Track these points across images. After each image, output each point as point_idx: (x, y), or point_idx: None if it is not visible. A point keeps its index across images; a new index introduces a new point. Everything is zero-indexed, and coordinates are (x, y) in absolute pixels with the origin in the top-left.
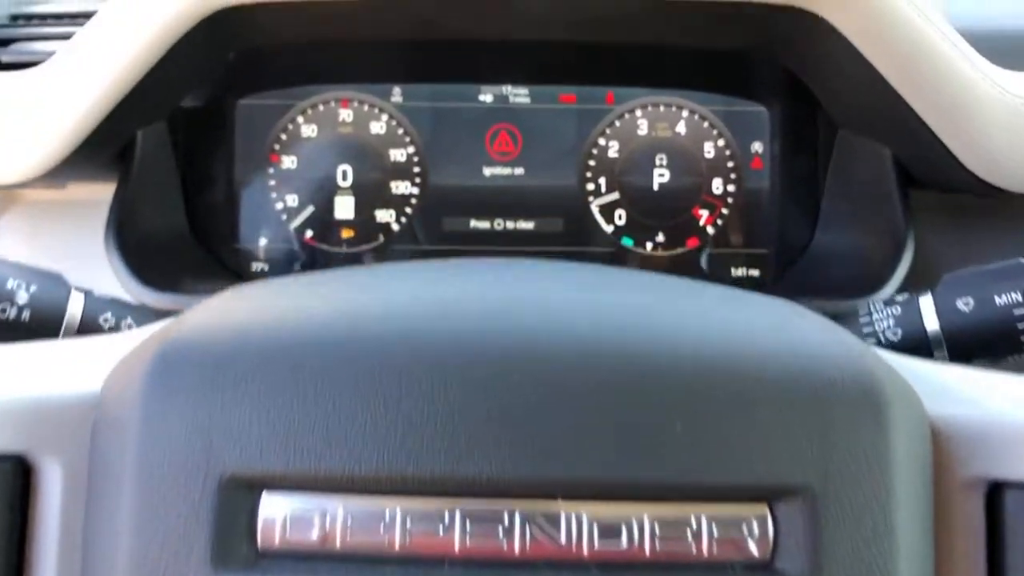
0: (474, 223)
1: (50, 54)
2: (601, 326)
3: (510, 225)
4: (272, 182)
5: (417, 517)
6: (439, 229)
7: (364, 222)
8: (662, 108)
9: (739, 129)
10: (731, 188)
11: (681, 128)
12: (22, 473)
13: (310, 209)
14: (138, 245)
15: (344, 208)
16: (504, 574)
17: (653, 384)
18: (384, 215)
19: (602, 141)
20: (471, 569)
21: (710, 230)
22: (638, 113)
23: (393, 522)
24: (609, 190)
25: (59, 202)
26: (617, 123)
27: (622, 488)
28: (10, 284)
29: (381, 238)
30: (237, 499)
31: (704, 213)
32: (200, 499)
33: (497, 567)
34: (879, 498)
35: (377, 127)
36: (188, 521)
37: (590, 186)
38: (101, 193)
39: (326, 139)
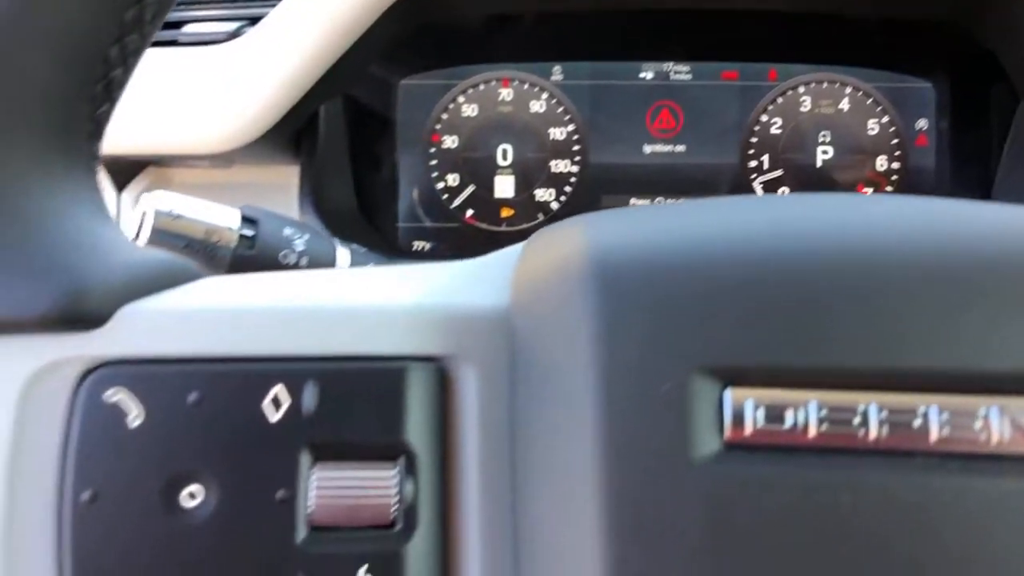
0: (634, 201)
1: (230, 33)
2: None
3: (671, 203)
4: (433, 161)
5: (892, 411)
6: (599, 207)
7: (524, 201)
8: (825, 85)
9: (904, 106)
10: (895, 166)
11: (845, 105)
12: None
13: (471, 188)
14: (322, 220)
15: (504, 187)
16: (982, 468)
17: None
18: (544, 194)
19: (764, 118)
20: (947, 462)
21: None
22: (801, 90)
23: (867, 416)
24: (772, 168)
25: (204, 185)
26: (780, 100)
27: None
28: (287, 231)
29: (541, 216)
30: (707, 392)
31: (868, 191)
32: (671, 392)
33: (972, 461)
34: None
35: (537, 106)
36: (660, 414)
37: (752, 163)
38: (246, 176)
39: (486, 118)
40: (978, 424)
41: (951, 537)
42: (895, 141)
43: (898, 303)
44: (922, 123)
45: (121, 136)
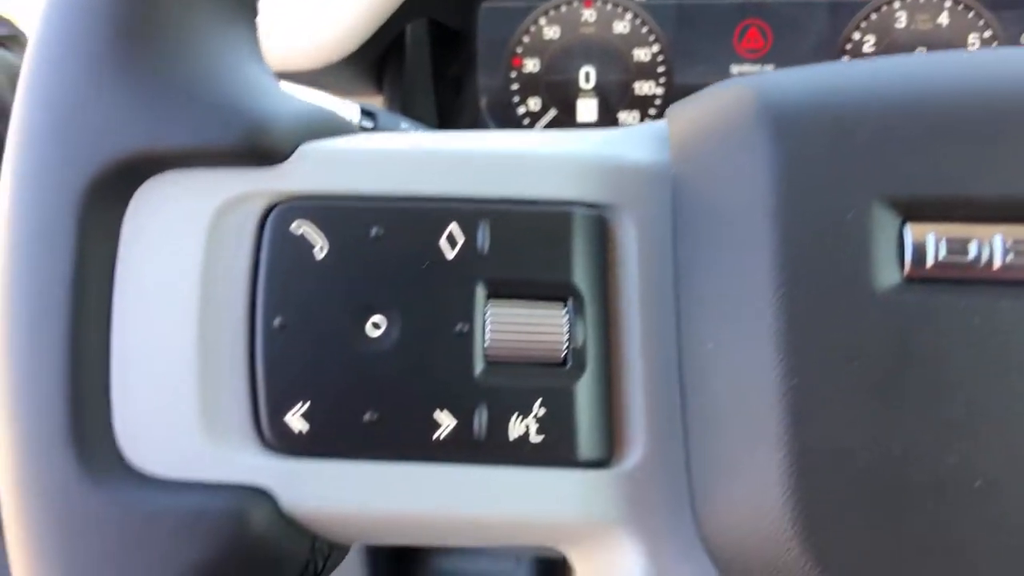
0: None
1: None
2: None
3: None
4: (515, 85)
5: None
6: None
7: (607, 124)
8: None
9: (1008, 20)
10: None
11: (944, 19)
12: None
13: (552, 112)
14: None
15: (587, 110)
16: None
17: None
18: (627, 117)
19: (857, 36)
20: None
21: None
22: (896, 5)
23: None
24: None
25: None
26: (873, 16)
27: None
28: (404, 125)
29: None
30: (887, 223)
31: None
32: (851, 224)
33: None
34: None
35: (620, 27)
36: (840, 246)
37: None
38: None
39: (569, 40)
40: None
41: None
42: None
43: None
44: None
45: None
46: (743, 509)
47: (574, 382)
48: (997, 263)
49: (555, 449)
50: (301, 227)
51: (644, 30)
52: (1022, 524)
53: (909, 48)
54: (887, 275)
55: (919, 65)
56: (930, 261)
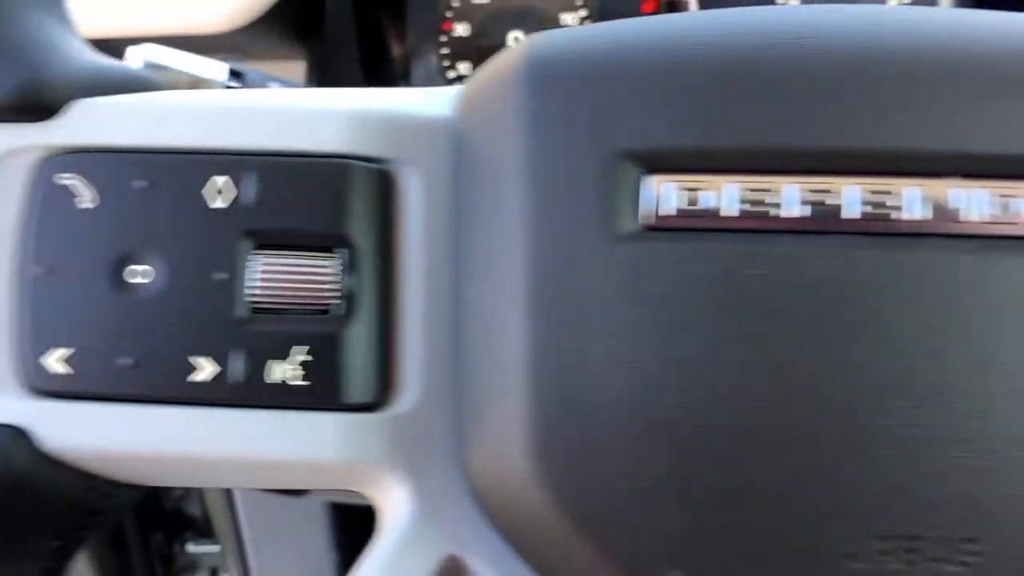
0: None
1: None
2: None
3: None
4: (444, 50)
5: (807, 191)
6: None
7: None
8: None
9: None
10: None
11: None
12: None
13: None
14: None
15: None
16: (892, 244)
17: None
18: None
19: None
20: (862, 240)
21: None
22: None
23: (782, 196)
24: None
25: None
26: None
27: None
28: (272, 85)
29: None
30: (629, 176)
31: None
32: (594, 177)
33: (886, 237)
34: None
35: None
36: (582, 197)
37: None
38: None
39: (498, 5)
40: (894, 203)
41: (862, 309)
42: None
43: (814, 84)
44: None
45: (114, 16)
46: (497, 456)
47: (341, 329)
48: (731, 212)
49: (318, 393)
50: (66, 179)
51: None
52: (749, 462)
53: None
54: (626, 225)
55: (676, 22)
56: (665, 211)
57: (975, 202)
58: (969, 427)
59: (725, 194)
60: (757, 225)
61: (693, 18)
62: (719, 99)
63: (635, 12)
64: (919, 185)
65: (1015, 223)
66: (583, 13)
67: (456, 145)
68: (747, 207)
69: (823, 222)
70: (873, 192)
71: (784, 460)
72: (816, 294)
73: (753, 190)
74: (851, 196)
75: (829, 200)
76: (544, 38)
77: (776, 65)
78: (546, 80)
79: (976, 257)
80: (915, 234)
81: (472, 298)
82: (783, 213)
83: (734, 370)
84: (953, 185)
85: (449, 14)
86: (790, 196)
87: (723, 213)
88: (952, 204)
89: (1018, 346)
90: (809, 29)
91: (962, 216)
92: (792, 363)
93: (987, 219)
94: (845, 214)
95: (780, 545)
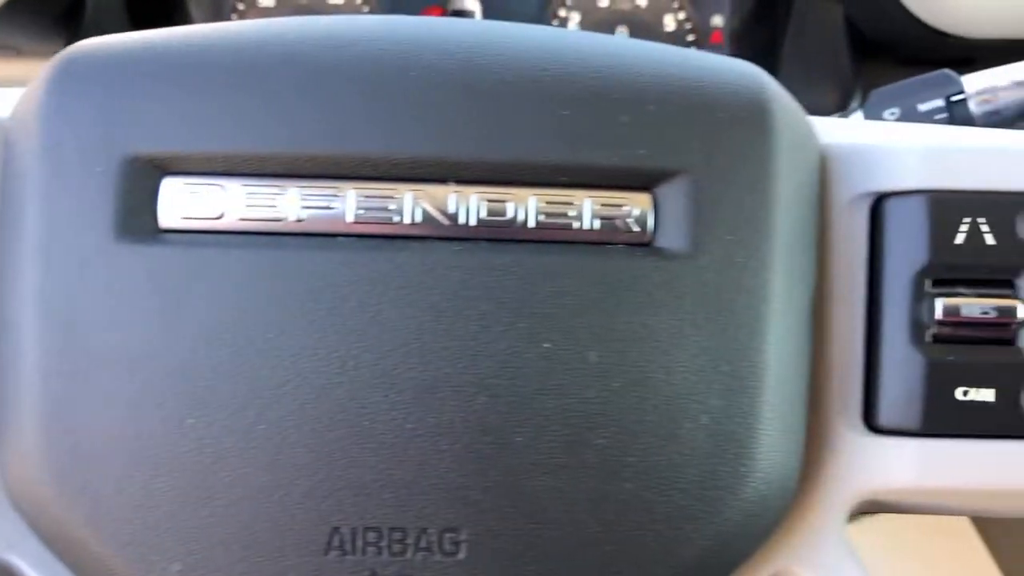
0: None
1: None
2: (501, 29)
3: None
4: None
5: (312, 195)
6: None
7: None
8: None
9: (701, 3)
10: None
11: (642, 1)
12: None
13: None
14: None
15: None
16: (393, 247)
17: (547, 72)
18: None
19: (563, 12)
20: (364, 241)
21: None
22: None
23: (288, 200)
24: None
25: None
26: None
27: (509, 169)
28: None
29: None
30: (140, 179)
31: None
32: (104, 178)
33: (386, 240)
34: (758, 188)
35: (337, 0)
36: (93, 199)
37: None
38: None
39: (280, 10)
40: (395, 207)
41: (358, 310)
42: (691, 38)
43: (323, 91)
44: (717, 20)
45: None
46: (19, 458)
47: None
48: (235, 216)
49: None
50: None
51: (358, 1)
52: (233, 460)
53: (611, 25)
54: (139, 228)
55: (217, 30)
56: (177, 214)
57: (471, 206)
58: (447, 420)
59: (232, 196)
60: (265, 228)
61: (234, 26)
62: (232, 104)
63: None
64: (417, 190)
65: (509, 227)
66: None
67: (5, 146)
68: (256, 212)
69: (327, 226)
70: (371, 197)
71: (263, 455)
72: (317, 296)
73: (256, 194)
74: (352, 201)
75: (334, 204)
76: (87, 42)
77: (288, 72)
78: (65, 82)
79: (472, 258)
80: (413, 237)
81: (2, 302)
82: (291, 217)
83: (225, 371)
84: (450, 191)
85: (234, 16)
86: (294, 201)
87: (230, 215)
88: (450, 208)
89: (499, 341)
90: (330, 38)
91: (460, 219)
92: (281, 364)
93: (482, 223)
94: (348, 218)
95: (264, 538)
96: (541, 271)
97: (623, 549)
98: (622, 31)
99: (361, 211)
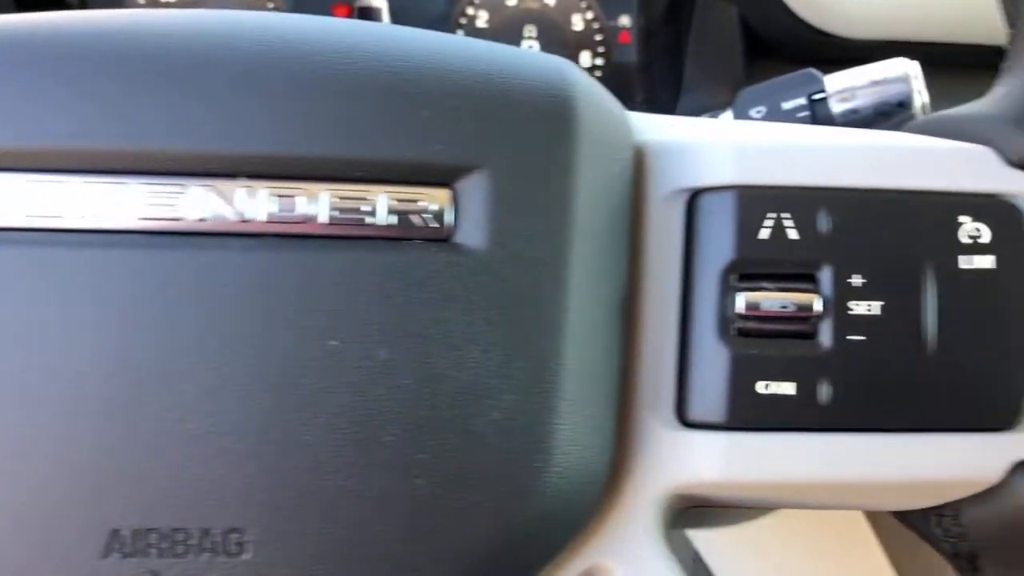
0: None
1: None
2: (306, 23)
3: None
4: None
5: (99, 192)
6: None
7: None
8: None
9: (608, 3)
10: (599, 62)
11: (550, 0)
12: None
13: None
14: None
15: None
16: (180, 243)
17: (346, 66)
18: None
19: (470, 11)
20: (150, 238)
21: None
22: None
23: (73, 196)
24: None
25: None
26: None
27: (301, 164)
28: None
29: None
30: None
31: None
32: None
33: (174, 236)
34: (558, 183)
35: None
36: None
37: None
38: None
39: (183, 4)
40: (185, 203)
41: (146, 309)
42: (599, 38)
43: (123, 86)
44: (625, 20)
45: None
46: None
47: None
48: (24, 213)
49: None
50: None
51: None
52: (24, 459)
53: (519, 25)
54: None
55: (53, 19)
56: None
57: (260, 201)
58: (231, 420)
59: (15, 191)
60: (45, 225)
61: (51, 16)
62: (42, 99)
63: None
64: (206, 185)
65: (300, 223)
66: None
67: None
68: (38, 208)
69: (112, 222)
70: (158, 192)
71: (40, 455)
72: (101, 294)
73: (37, 191)
74: (138, 197)
75: (121, 200)
76: None
77: (79, 66)
78: None
79: (260, 254)
80: (201, 233)
81: None
82: (74, 214)
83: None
84: (239, 186)
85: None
86: (79, 197)
87: (14, 215)
88: (238, 204)
89: (285, 339)
90: (126, 32)
91: (248, 215)
92: (61, 362)
93: (271, 218)
94: (134, 214)
95: (40, 540)
96: (331, 267)
97: (415, 547)
98: (530, 30)
99: (147, 207)
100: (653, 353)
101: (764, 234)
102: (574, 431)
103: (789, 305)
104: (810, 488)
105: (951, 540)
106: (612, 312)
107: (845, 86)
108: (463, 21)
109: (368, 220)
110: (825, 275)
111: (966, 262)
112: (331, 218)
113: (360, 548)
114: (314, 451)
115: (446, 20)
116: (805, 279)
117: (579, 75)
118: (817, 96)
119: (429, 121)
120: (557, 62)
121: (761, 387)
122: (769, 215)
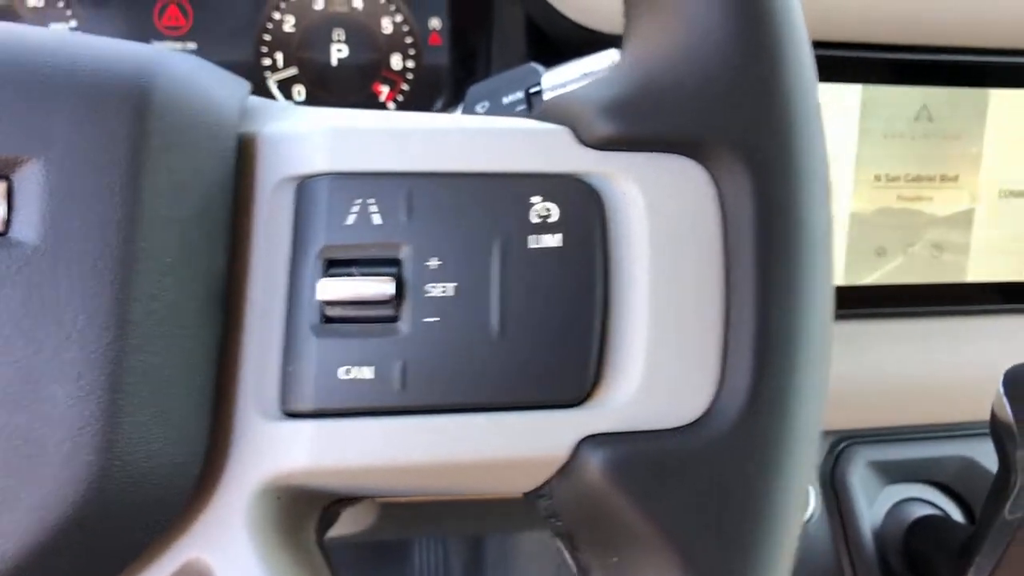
0: None
1: None
2: None
3: None
4: None
5: None
6: None
7: None
8: None
9: (417, 5)
10: (410, 64)
11: (358, 3)
12: None
13: None
14: None
15: None
16: None
17: None
18: None
19: (277, 15)
20: None
21: (391, 105)
22: None
23: None
24: (287, 65)
25: None
26: None
27: None
28: None
29: None
30: None
31: (384, 89)
32: None
33: None
34: (121, 175)
35: (34, 2)
36: None
37: (267, 61)
38: None
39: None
40: None
41: None
42: (409, 40)
43: None
44: (435, 22)
45: None
46: None
47: None
48: None
49: None
50: None
51: (60, 4)
52: None
53: (327, 28)
54: None
55: None
56: None
57: None
58: None
59: None
60: None
61: None
62: None
63: (125, 24)
64: None
65: None
66: (72, 24)
67: None
68: None
69: None
70: None
71: None
72: None
73: None
74: None
75: None
76: None
77: None
78: None
79: None
80: None
81: None
82: None
83: None
84: None
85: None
86: None
87: None
88: None
89: None
90: None
91: None
92: None
93: None
94: None
95: None
96: None
97: None
98: (339, 34)
99: None
100: (258, 343)
101: (351, 220)
102: (140, 425)
103: (367, 291)
104: (395, 473)
105: (552, 520)
106: (203, 302)
107: (559, 80)
108: (269, 26)
109: None
110: (407, 259)
111: (534, 241)
112: None
113: None
114: None
115: (252, 24)
116: (389, 263)
117: (172, 66)
118: (534, 90)
119: None
120: (150, 53)
121: (343, 373)
122: (356, 201)
